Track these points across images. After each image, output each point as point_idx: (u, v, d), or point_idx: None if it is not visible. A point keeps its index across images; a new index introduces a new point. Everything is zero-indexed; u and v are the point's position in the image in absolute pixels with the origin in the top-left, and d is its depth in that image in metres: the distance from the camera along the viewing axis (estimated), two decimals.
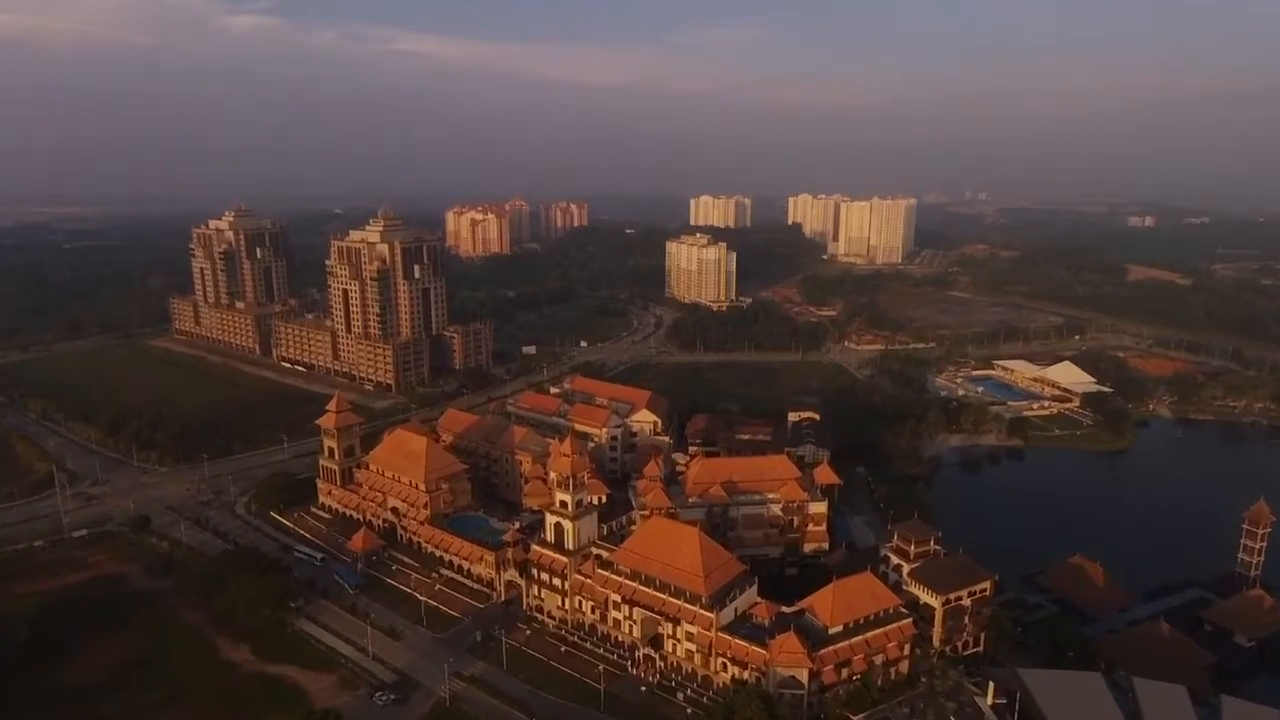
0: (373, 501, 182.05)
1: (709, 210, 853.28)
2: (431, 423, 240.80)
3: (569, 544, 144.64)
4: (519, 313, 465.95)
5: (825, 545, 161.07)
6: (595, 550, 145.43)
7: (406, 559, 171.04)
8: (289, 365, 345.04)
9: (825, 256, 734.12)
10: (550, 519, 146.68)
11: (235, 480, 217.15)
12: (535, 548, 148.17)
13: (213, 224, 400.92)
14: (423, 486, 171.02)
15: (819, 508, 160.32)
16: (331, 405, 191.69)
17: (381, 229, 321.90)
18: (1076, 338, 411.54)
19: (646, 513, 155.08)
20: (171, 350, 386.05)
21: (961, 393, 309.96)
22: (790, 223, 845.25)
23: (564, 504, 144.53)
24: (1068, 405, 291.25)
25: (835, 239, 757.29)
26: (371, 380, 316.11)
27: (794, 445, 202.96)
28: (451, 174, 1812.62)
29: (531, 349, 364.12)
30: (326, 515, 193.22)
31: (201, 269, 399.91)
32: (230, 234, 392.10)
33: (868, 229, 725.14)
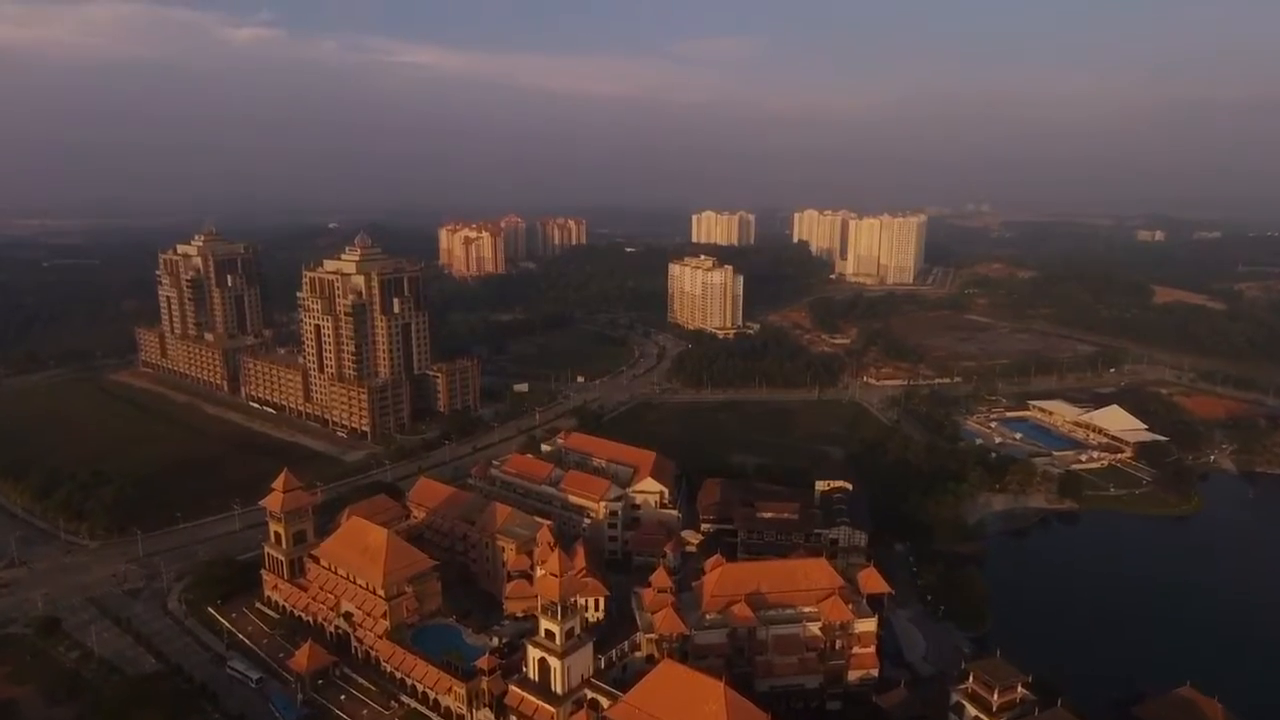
0: (324, 604, 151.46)
1: (711, 227, 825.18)
2: (403, 485, 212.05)
3: (556, 686, 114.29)
4: (512, 340, 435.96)
5: (874, 672, 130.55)
6: (590, 694, 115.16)
7: (362, 680, 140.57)
8: (257, 406, 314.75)
9: (833, 276, 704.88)
10: (533, 652, 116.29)
11: (174, 560, 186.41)
12: (514, 689, 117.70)
13: (180, 249, 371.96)
14: (381, 592, 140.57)
15: (867, 626, 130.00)
16: (277, 484, 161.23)
17: (358, 258, 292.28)
18: (1112, 371, 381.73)
19: (654, 637, 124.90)
20: (133, 386, 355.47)
21: (999, 440, 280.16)
22: (796, 240, 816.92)
23: (550, 635, 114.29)
24: (1120, 456, 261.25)
25: (843, 257, 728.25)
26: (345, 426, 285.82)
27: (825, 526, 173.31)
28: (449, 186, 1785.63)
29: (524, 386, 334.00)
30: (273, 613, 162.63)
31: (168, 298, 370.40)
32: (199, 260, 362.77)
33: (877, 247, 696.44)
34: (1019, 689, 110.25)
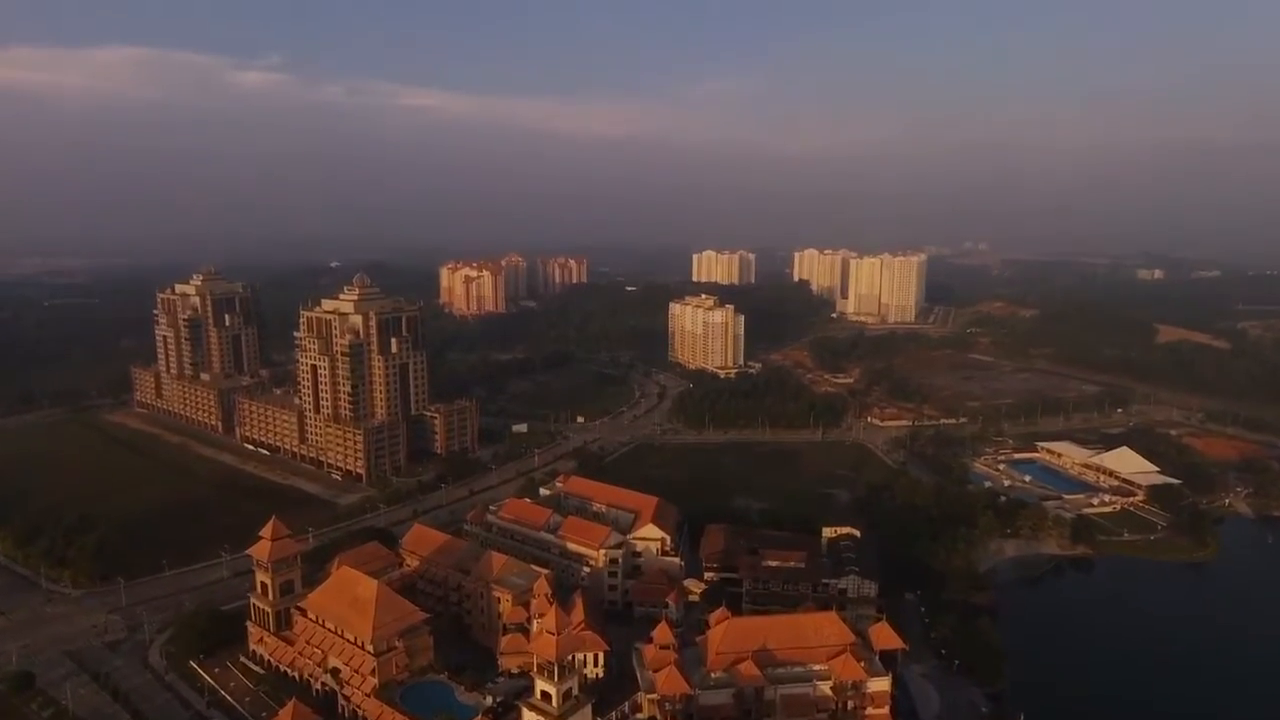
0: (310, 659, 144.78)
1: (712, 266, 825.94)
2: (398, 530, 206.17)
3: None
4: (511, 380, 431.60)
5: None
6: None
7: None
8: (252, 448, 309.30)
9: (834, 315, 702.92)
10: (529, 715, 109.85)
11: (158, 609, 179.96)
12: None
13: (179, 288, 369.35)
14: (370, 646, 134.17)
15: (880, 685, 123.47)
16: (265, 531, 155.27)
17: (356, 298, 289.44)
18: (1119, 411, 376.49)
19: (656, 698, 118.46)
20: (127, 426, 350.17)
21: (1007, 483, 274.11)
22: (796, 279, 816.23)
23: (546, 696, 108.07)
24: (1132, 500, 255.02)
25: (844, 296, 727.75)
26: (340, 468, 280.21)
27: (834, 575, 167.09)
28: (452, 226, 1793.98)
29: (523, 427, 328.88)
30: (257, 668, 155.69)
31: (165, 337, 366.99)
32: (196, 299, 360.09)
33: (878, 286, 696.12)
34: None
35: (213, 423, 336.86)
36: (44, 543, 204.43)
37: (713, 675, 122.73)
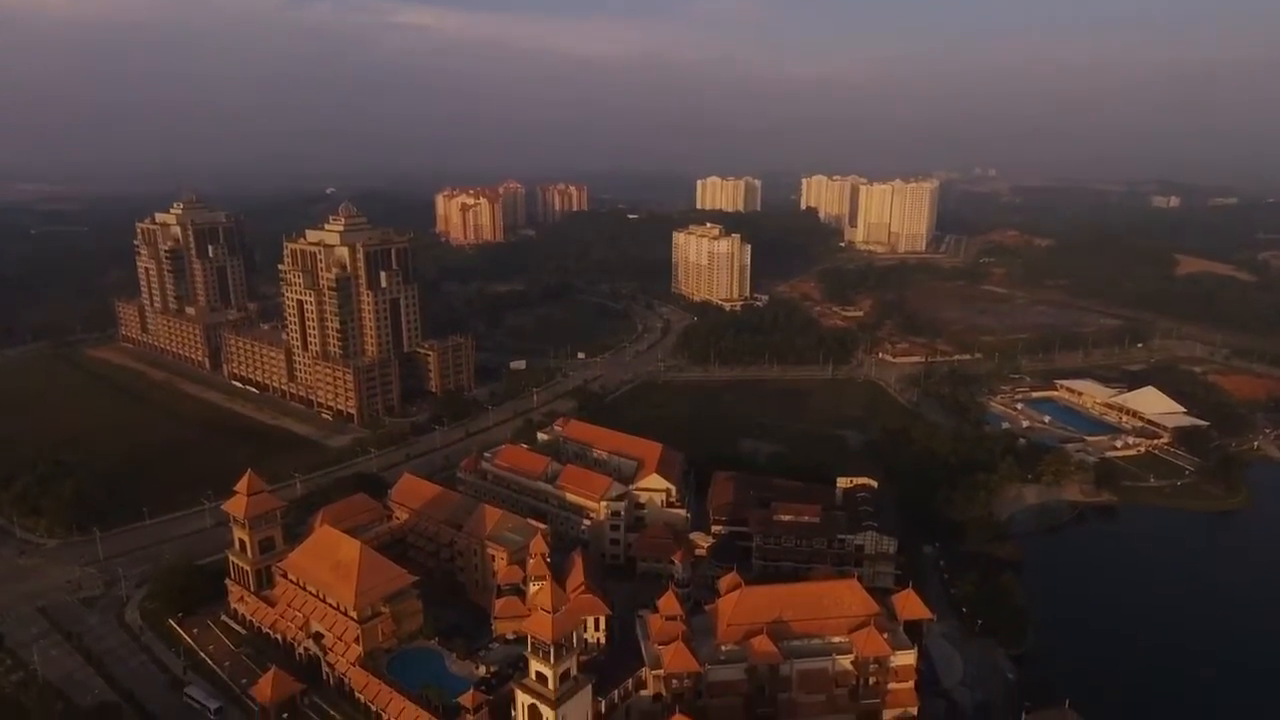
0: (292, 623, 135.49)
1: (716, 193, 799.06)
2: (390, 476, 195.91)
3: None
4: (509, 313, 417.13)
5: (913, 710, 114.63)
6: None
7: (333, 712, 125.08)
8: (239, 385, 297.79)
9: (843, 244, 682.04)
10: (523, 698, 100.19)
11: (136, 562, 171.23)
12: None
13: (159, 218, 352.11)
14: (353, 613, 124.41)
15: (905, 659, 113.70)
16: (241, 486, 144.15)
17: (341, 229, 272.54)
18: (1140, 346, 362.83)
19: (662, 674, 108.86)
20: (110, 363, 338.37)
21: (1026, 424, 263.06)
22: (804, 207, 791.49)
23: (541, 678, 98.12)
24: (1157, 443, 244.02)
25: (853, 225, 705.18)
26: (330, 407, 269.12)
27: (850, 531, 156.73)
28: (449, 151, 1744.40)
29: (521, 364, 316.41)
30: (239, 627, 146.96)
31: (146, 269, 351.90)
32: (177, 229, 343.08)
33: (888, 214, 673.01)
34: None
35: (199, 359, 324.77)
36: (17, 489, 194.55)
37: (723, 649, 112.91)
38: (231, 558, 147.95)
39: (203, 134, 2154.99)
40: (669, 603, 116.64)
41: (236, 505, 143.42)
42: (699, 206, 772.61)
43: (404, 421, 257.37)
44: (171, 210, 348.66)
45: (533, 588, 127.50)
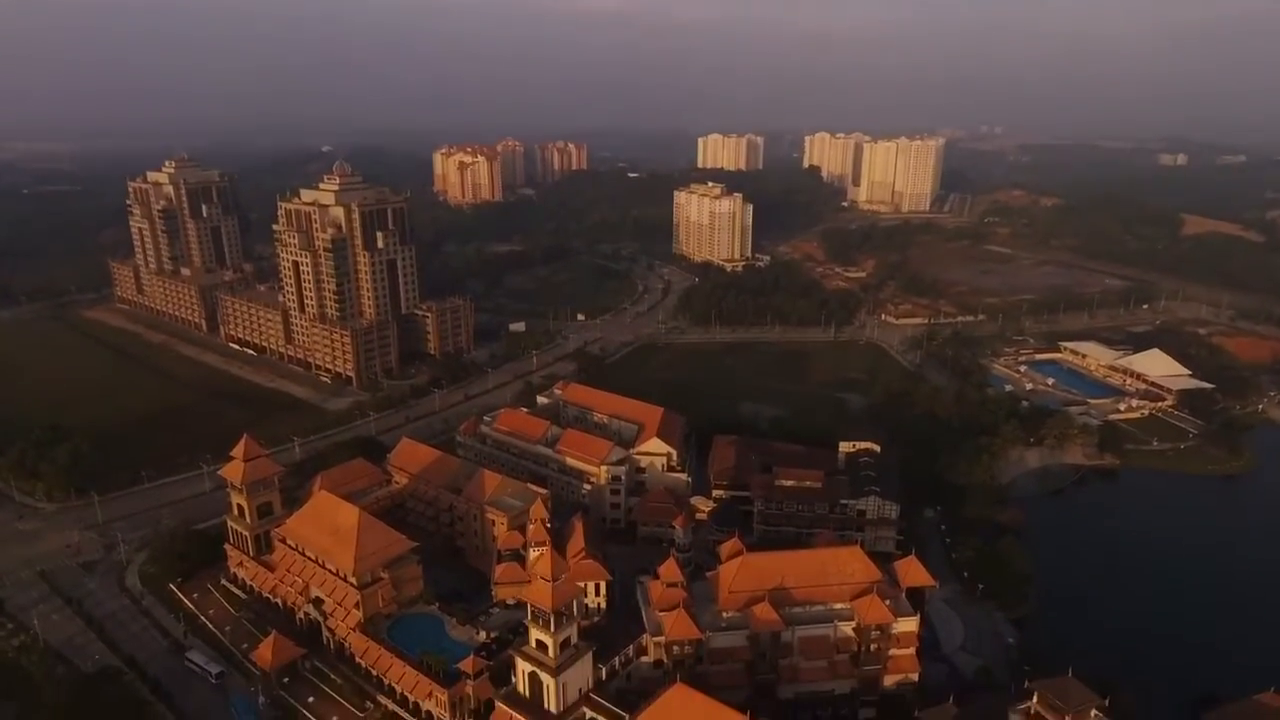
0: (292, 588, 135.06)
1: (718, 150, 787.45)
2: (389, 439, 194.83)
3: (550, 705, 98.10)
4: (509, 274, 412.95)
5: (914, 676, 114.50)
6: (589, 712, 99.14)
7: (334, 676, 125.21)
8: (237, 347, 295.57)
9: (845, 204, 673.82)
10: (522, 665, 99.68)
11: (136, 526, 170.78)
12: (502, 706, 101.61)
13: (151, 176, 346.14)
14: (353, 579, 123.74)
15: (907, 625, 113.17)
16: (237, 450, 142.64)
17: (336, 188, 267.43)
18: (1145, 307, 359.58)
19: (663, 641, 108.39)
20: (107, 324, 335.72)
21: (1029, 386, 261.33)
22: (807, 165, 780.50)
23: (542, 646, 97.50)
24: (1161, 405, 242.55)
25: (856, 184, 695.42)
26: (328, 370, 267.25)
27: (852, 496, 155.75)
28: (446, 108, 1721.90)
29: (520, 326, 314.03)
30: (239, 592, 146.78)
31: (140, 229, 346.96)
32: (170, 189, 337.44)
33: (892, 173, 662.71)
34: (1092, 715, 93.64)
35: (196, 320, 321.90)
36: (14, 453, 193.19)
37: (725, 615, 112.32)
38: (230, 522, 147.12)
39: (198, 93, 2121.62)
40: (670, 569, 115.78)
41: (234, 471, 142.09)
42: (700, 165, 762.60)
43: (403, 384, 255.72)
44: (163, 169, 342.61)
45: (533, 553, 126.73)
